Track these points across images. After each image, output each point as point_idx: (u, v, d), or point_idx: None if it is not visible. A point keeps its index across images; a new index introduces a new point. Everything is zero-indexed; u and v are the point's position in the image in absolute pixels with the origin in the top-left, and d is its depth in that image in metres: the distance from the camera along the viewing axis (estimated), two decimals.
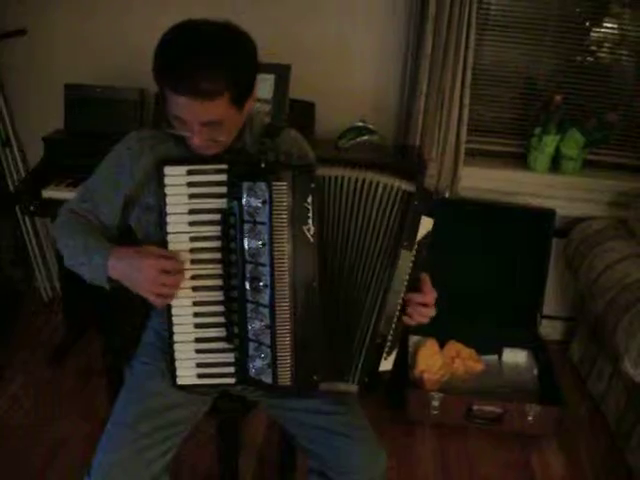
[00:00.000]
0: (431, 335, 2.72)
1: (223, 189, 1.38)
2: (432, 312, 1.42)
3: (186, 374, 1.48)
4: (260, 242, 1.31)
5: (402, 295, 1.38)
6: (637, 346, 2.11)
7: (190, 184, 1.40)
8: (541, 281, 2.76)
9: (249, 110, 1.45)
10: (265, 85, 2.44)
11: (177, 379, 1.48)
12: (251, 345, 1.37)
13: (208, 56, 1.28)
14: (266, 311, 1.33)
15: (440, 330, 2.69)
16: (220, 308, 1.43)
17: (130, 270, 1.38)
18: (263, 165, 1.35)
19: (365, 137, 2.54)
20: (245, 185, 1.31)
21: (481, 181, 2.81)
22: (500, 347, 2.77)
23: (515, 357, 2.76)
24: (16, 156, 2.92)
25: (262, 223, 1.30)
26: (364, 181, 1.33)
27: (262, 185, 1.29)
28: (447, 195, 2.76)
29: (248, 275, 1.34)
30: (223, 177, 1.38)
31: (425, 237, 1.36)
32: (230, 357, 1.45)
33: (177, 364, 1.47)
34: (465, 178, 2.77)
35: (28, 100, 2.89)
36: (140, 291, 1.38)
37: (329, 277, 1.35)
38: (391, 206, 1.33)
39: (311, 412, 1.53)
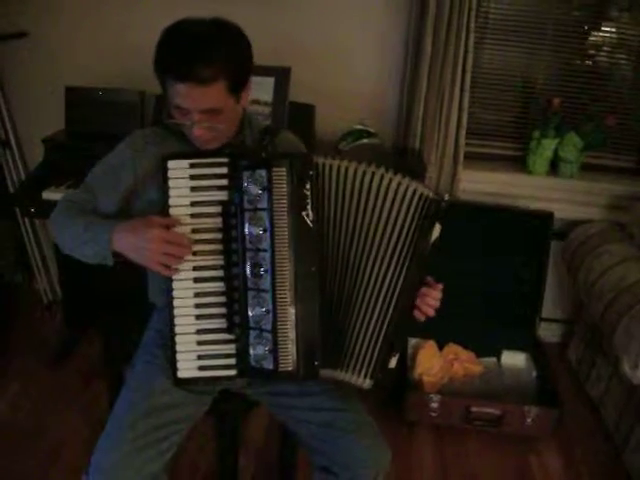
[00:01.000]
0: (430, 337, 2.72)
1: (225, 181, 1.43)
2: (438, 304, 1.46)
3: (187, 367, 1.49)
4: (261, 228, 1.36)
5: (415, 294, 1.42)
6: (635, 348, 2.12)
7: (193, 177, 1.44)
8: (540, 284, 2.76)
9: (245, 105, 1.52)
10: (265, 87, 2.45)
11: (178, 372, 1.49)
12: (252, 333, 1.39)
13: (204, 44, 1.35)
14: (267, 296, 1.36)
15: (439, 332, 2.70)
16: (221, 299, 1.45)
17: (135, 241, 1.41)
18: (264, 155, 1.42)
19: (365, 140, 2.55)
20: (245, 174, 1.36)
21: (480, 184, 2.82)
22: (499, 349, 2.78)
23: (514, 359, 2.77)
24: (16, 158, 2.92)
25: (263, 209, 1.35)
26: (390, 180, 1.38)
27: (262, 172, 1.34)
28: (446, 198, 2.76)
29: (249, 262, 1.38)
30: (225, 170, 1.43)
31: (435, 241, 1.40)
32: (231, 349, 1.46)
33: (178, 356, 1.48)
34: (464, 181, 2.78)
35: (29, 102, 2.90)
36: (145, 261, 1.41)
37: (337, 264, 1.40)
38: (414, 209, 1.38)
39: (315, 410, 1.54)
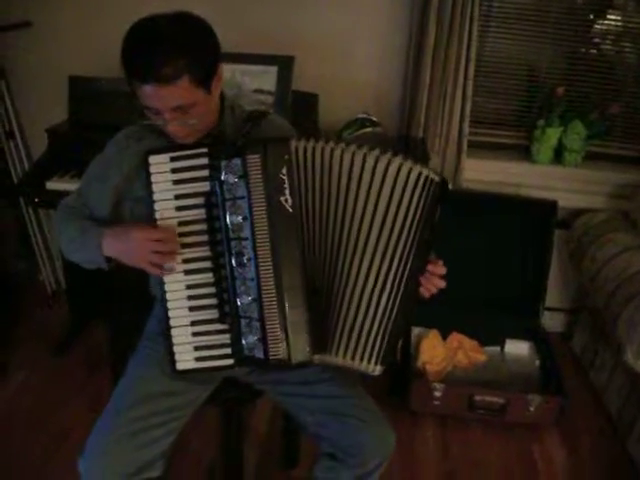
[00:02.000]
0: (434, 326, 2.73)
1: (206, 172, 1.43)
2: (443, 283, 1.45)
3: (185, 358, 1.50)
4: (241, 217, 1.36)
5: (420, 276, 1.41)
6: (639, 337, 2.12)
7: (174, 170, 1.45)
8: (543, 273, 2.76)
9: (217, 91, 1.48)
10: (268, 77, 2.45)
11: (176, 364, 1.50)
12: (242, 322, 1.40)
13: (164, 42, 1.32)
14: (252, 284, 1.36)
15: (443, 321, 2.71)
16: (212, 290, 1.45)
17: (123, 243, 1.44)
18: (239, 143, 1.39)
19: (368, 129, 2.54)
20: (223, 164, 1.37)
21: (484, 173, 2.81)
22: (503, 338, 2.78)
23: (517, 348, 2.78)
24: (20, 148, 2.93)
25: (241, 198, 1.35)
26: (389, 162, 1.35)
27: (237, 160, 1.35)
28: (450, 187, 2.76)
29: (233, 251, 1.38)
30: (205, 161, 1.43)
31: (436, 222, 1.39)
32: (226, 338, 1.46)
33: (175, 349, 1.49)
34: (468, 170, 2.78)
35: (32, 92, 2.90)
36: (135, 262, 1.44)
37: (319, 248, 1.38)
38: (419, 192, 1.35)
39: (320, 397, 1.55)
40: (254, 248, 1.35)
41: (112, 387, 2.33)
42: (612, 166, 2.86)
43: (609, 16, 2.73)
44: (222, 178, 1.37)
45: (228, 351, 1.47)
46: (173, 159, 1.44)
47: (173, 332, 1.48)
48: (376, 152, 1.35)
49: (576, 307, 3.06)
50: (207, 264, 1.45)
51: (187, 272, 1.46)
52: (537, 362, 2.69)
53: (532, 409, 2.39)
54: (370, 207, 1.36)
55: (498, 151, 2.92)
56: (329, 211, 1.38)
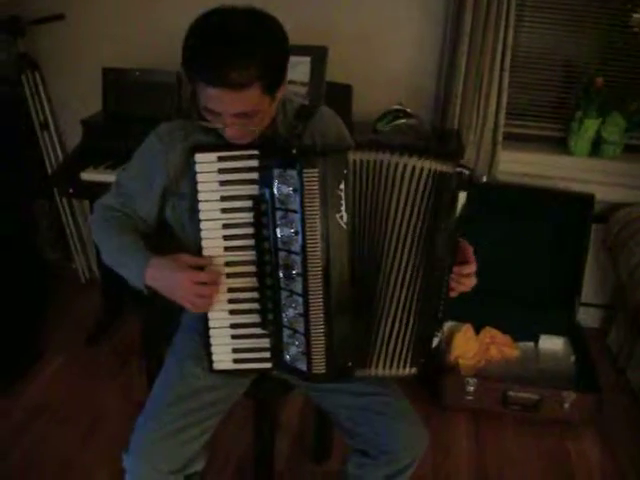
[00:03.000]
0: (467, 321, 2.70)
1: (254, 175, 1.37)
2: (474, 281, 1.44)
3: (222, 359, 1.49)
4: (292, 230, 1.30)
5: (446, 275, 1.39)
6: None
7: (221, 170, 1.39)
8: (579, 267, 2.71)
9: (280, 96, 1.43)
10: (301, 67, 2.43)
11: (214, 364, 1.49)
12: (286, 332, 1.39)
13: (237, 46, 1.25)
14: (300, 299, 1.33)
15: (476, 316, 2.67)
16: (254, 294, 1.43)
17: (166, 280, 1.41)
18: (294, 151, 1.33)
19: (402, 120, 2.52)
20: (276, 172, 1.30)
21: (519, 165, 2.76)
22: (536, 334, 2.74)
23: (552, 344, 2.73)
24: (54, 140, 2.95)
25: (294, 211, 1.29)
26: (397, 165, 1.31)
27: (293, 173, 1.27)
28: (485, 179, 2.73)
29: (281, 263, 1.34)
30: (254, 163, 1.37)
31: (462, 210, 1.35)
32: (266, 342, 1.46)
33: (213, 349, 1.48)
34: (503, 162, 2.73)
35: (66, 84, 2.92)
36: (176, 300, 1.41)
37: (365, 264, 1.35)
38: (422, 188, 1.32)
39: (354, 394, 1.54)
40: (304, 264, 1.30)
41: (146, 377, 2.38)
42: None
43: None
44: (274, 187, 1.30)
45: (267, 355, 1.46)
46: (221, 159, 1.38)
47: (212, 332, 1.47)
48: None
49: (613, 303, 3.01)
50: (251, 268, 1.42)
51: (230, 275, 1.43)
52: (572, 358, 2.65)
53: (567, 406, 2.36)
54: (405, 218, 1.34)
55: (534, 143, 2.86)
56: (373, 226, 1.34)
